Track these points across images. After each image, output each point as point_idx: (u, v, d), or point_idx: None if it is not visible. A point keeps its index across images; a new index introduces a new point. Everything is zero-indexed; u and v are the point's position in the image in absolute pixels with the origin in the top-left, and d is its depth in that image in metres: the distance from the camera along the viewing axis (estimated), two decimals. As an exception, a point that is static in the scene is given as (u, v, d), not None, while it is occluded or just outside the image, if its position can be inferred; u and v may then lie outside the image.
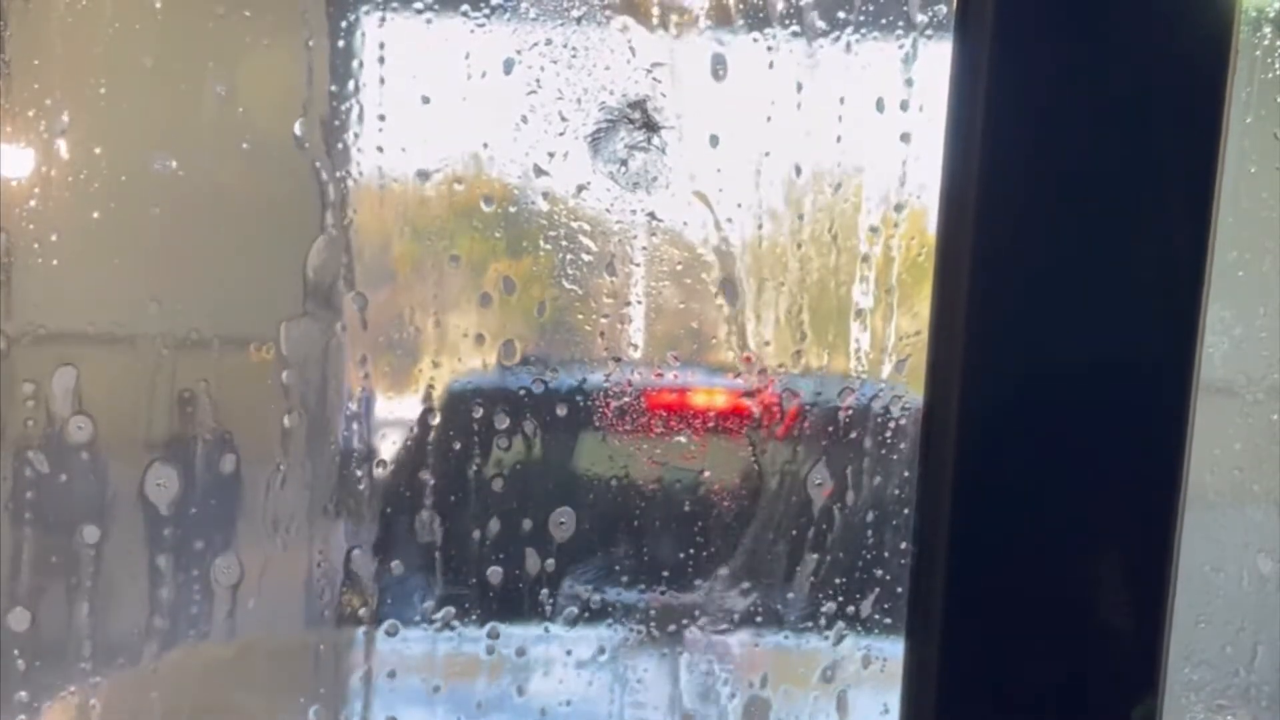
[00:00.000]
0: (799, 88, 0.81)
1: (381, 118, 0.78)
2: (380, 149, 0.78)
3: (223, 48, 0.76)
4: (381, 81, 0.78)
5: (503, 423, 0.82)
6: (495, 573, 0.82)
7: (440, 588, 0.82)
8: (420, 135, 0.78)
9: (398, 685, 0.84)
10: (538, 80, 0.78)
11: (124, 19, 0.75)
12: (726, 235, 0.82)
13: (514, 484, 0.82)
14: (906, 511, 0.85)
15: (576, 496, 0.83)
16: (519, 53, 0.78)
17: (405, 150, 0.78)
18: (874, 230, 0.84)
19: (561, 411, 0.82)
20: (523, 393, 0.81)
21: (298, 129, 0.77)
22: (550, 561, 0.83)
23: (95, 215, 0.76)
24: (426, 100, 0.78)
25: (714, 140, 0.81)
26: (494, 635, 0.83)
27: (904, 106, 0.82)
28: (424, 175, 0.79)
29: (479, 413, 0.81)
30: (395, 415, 0.81)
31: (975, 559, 0.65)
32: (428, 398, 0.81)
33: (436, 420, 0.81)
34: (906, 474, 0.85)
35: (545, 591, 0.83)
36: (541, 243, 0.80)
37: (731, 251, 0.82)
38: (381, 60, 0.78)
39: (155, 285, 0.77)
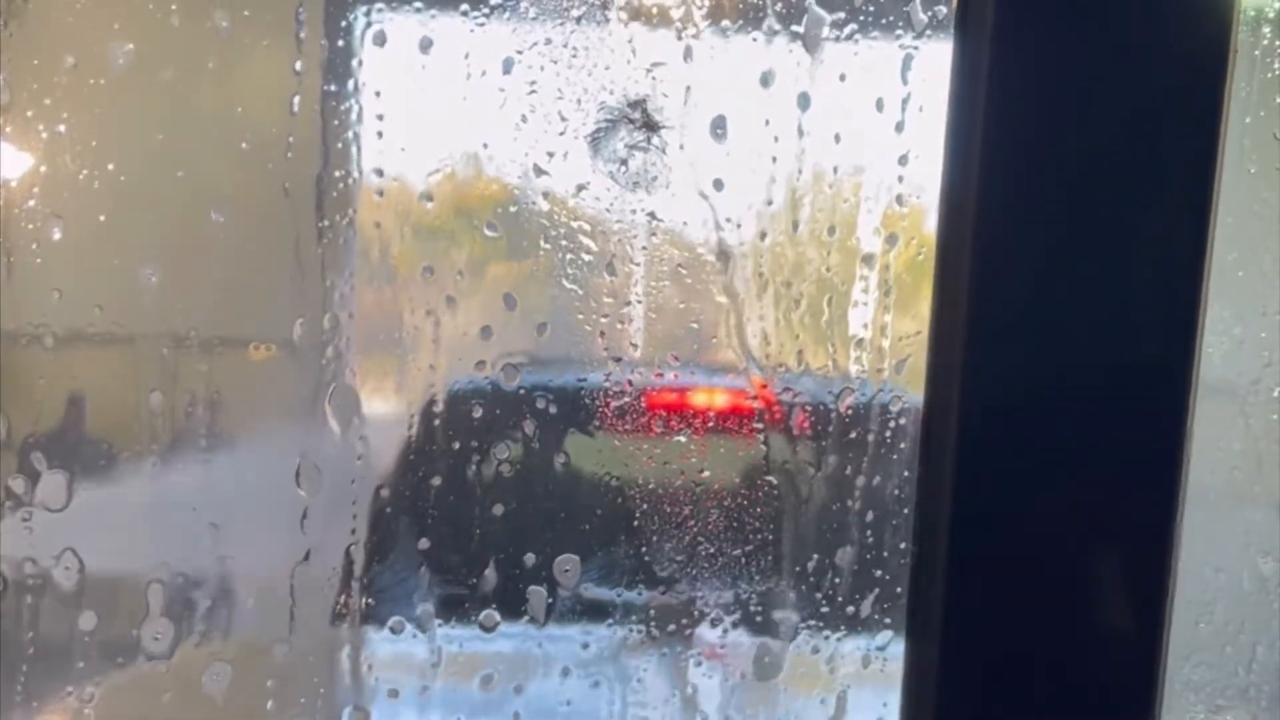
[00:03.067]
0: (798, 87, 0.81)
1: (380, 117, 0.78)
2: (379, 149, 0.78)
3: (222, 48, 0.76)
4: (381, 81, 0.78)
5: (502, 423, 0.81)
6: (494, 572, 0.83)
7: (440, 588, 0.83)
8: (420, 135, 0.78)
9: (398, 686, 0.84)
10: (537, 80, 0.78)
11: (123, 19, 0.75)
12: (726, 235, 0.82)
13: (513, 483, 0.82)
14: (906, 511, 0.85)
15: (576, 496, 0.83)
16: (519, 53, 0.78)
17: (405, 150, 0.78)
18: (874, 230, 0.84)
19: (561, 411, 0.82)
20: (522, 393, 0.81)
21: (297, 128, 0.77)
22: (549, 562, 0.83)
23: (95, 215, 0.76)
24: (426, 100, 0.78)
25: (714, 141, 0.80)
26: (491, 626, 0.84)
27: (904, 106, 0.82)
28: (424, 175, 0.79)
29: (479, 414, 0.81)
30: (395, 416, 0.81)
31: (975, 559, 0.65)
32: (427, 399, 0.81)
33: (436, 421, 0.81)
34: (906, 474, 0.85)
35: (545, 589, 0.83)
36: (541, 243, 0.80)
37: (731, 252, 0.82)
38: (381, 60, 0.77)
39: (155, 285, 0.77)
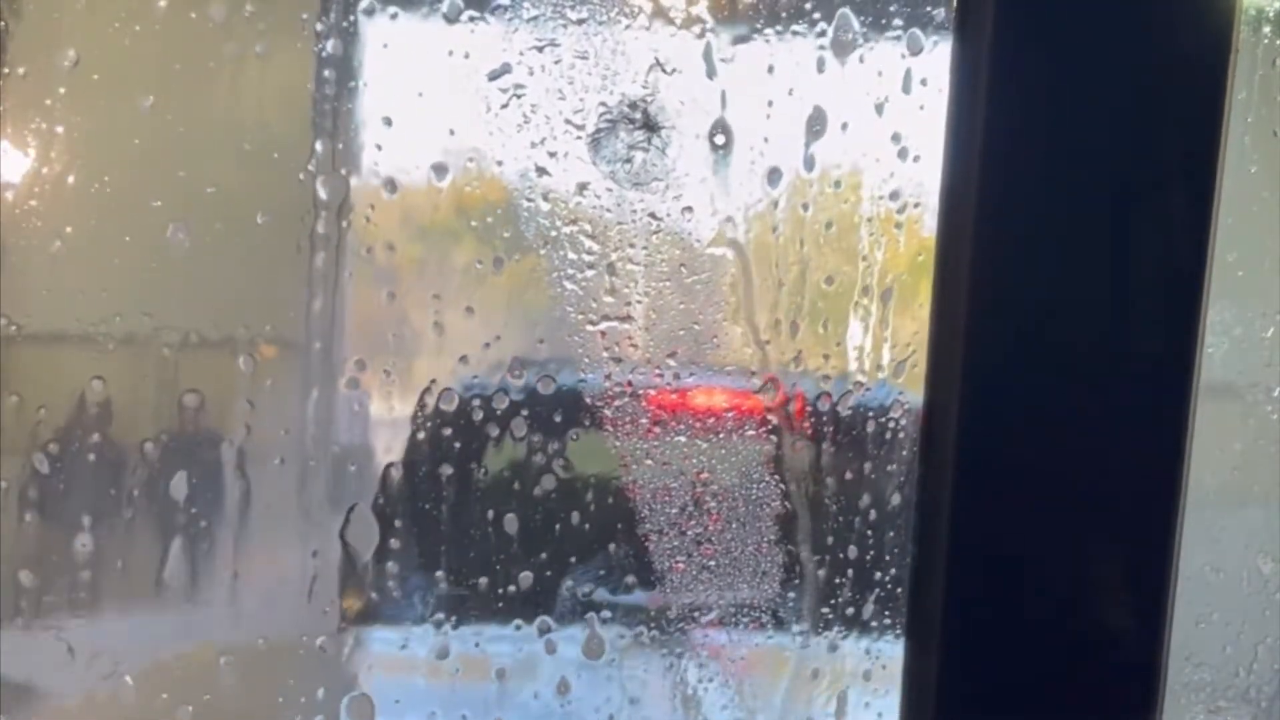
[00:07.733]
0: (799, 88, 0.81)
1: (383, 118, 0.78)
2: (380, 149, 0.78)
3: (222, 48, 0.76)
4: (382, 82, 0.78)
5: (503, 424, 0.82)
6: (496, 572, 0.83)
7: (441, 588, 0.83)
8: (420, 135, 0.78)
9: (399, 687, 0.84)
10: (538, 80, 0.78)
11: (124, 19, 0.75)
12: (727, 235, 0.82)
13: (516, 484, 0.82)
14: (906, 513, 0.85)
15: (577, 496, 0.83)
16: (520, 53, 0.78)
17: (405, 151, 0.78)
18: (874, 231, 0.84)
19: (561, 412, 0.82)
20: (523, 393, 0.81)
21: (298, 130, 0.77)
22: (549, 559, 0.83)
23: (95, 216, 0.76)
24: (426, 100, 0.78)
25: (714, 141, 0.81)
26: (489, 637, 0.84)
27: (904, 107, 0.82)
28: (424, 176, 0.79)
29: (479, 415, 0.81)
30: (395, 418, 0.81)
31: (975, 560, 0.65)
32: (429, 401, 0.81)
33: (437, 423, 0.81)
34: (906, 475, 0.85)
35: (544, 587, 0.83)
36: (542, 243, 0.80)
37: (731, 252, 0.82)
38: (382, 61, 0.78)
39: (155, 286, 0.77)
